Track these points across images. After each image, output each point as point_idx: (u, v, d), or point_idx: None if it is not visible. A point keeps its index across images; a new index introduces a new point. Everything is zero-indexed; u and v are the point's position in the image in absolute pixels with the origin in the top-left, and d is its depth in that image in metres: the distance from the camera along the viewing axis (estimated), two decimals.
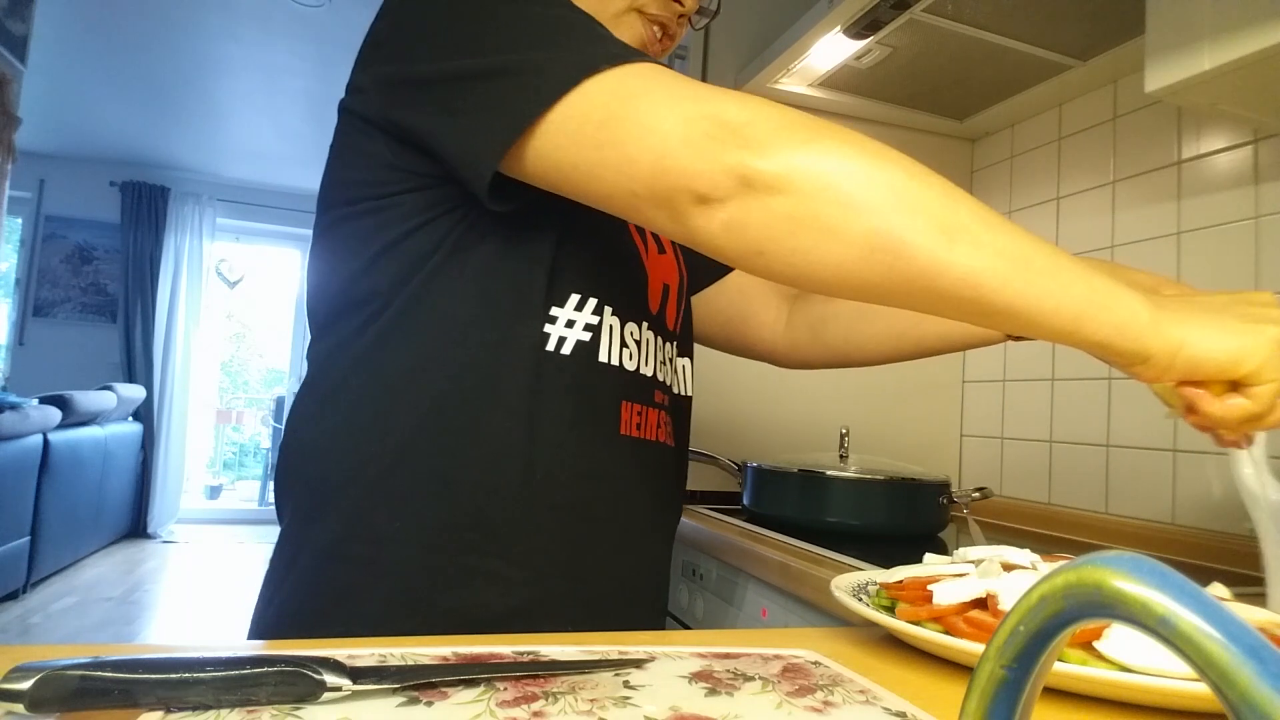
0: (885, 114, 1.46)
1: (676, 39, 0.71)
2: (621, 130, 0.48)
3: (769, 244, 0.46)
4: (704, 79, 1.42)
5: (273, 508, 0.66)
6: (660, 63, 0.52)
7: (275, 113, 4.16)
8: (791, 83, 1.37)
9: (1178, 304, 0.47)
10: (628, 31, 0.68)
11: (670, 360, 0.72)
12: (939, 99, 1.41)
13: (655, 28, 0.69)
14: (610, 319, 0.63)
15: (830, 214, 0.44)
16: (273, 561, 0.62)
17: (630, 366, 0.65)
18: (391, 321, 0.59)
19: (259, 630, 0.60)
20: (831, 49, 1.23)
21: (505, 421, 0.59)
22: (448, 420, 0.58)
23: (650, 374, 0.67)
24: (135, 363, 5.03)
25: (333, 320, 0.62)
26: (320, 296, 0.64)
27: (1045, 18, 1.10)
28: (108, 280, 5.14)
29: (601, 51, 0.50)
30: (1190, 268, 1.10)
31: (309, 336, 0.66)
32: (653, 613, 0.71)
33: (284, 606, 0.59)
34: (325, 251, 0.63)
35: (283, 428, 0.62)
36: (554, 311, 0.61)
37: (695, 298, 0.88)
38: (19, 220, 5.00)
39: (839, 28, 1.16)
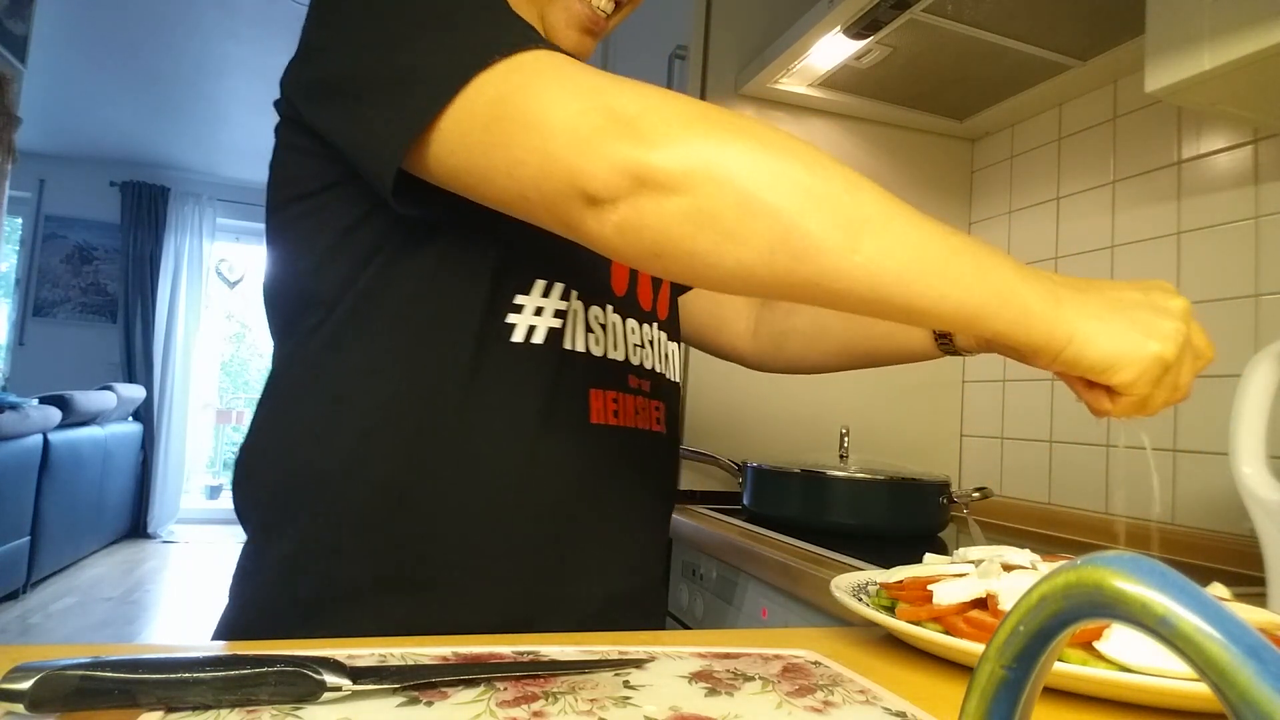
0: (885, 114, 1.46)
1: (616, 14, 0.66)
2: (508, 131, 0.45)
3: (667, 246, 0.44)
4: (704, 79, 1.42)
5: None
6: (562, 50, 0.49)
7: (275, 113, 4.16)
8: (791, 83, 1.37)
9: (1082, 299, 0.47)
10: (562, 14, 0.63)
11: (652, 344, 0.69)
12: (939, 99, 1.41)
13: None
14: (575, 303, 0.61)
15: (730, 216, 0.42)
16: (234, 575, 0.60)
17: (597, 352, 0.62)
18: (341, 322, 0.57)
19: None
20: (831, 49, 1.23)
21: (467, 424, 0.56)
22: (403, 426, 0.55)
23: (621, 359, 0.64)
24: (135, 363, 5.04)
25: (288, 324, 0.60)
26: (275, 301, 0.62)
27: (1045, 18, 1.10)
28: (108, 280, 5.14)
29: (494, 40, 0.47)
30: (1190, 268, 1.10)
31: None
32: (651, 614, 0.69)
33: (236, 623, 0.57)
34: (275, 255, 0.61)
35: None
36: (519, 300, 0.58)
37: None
38: (19, 220, 5.00)
39: (839, 28, 1.16)
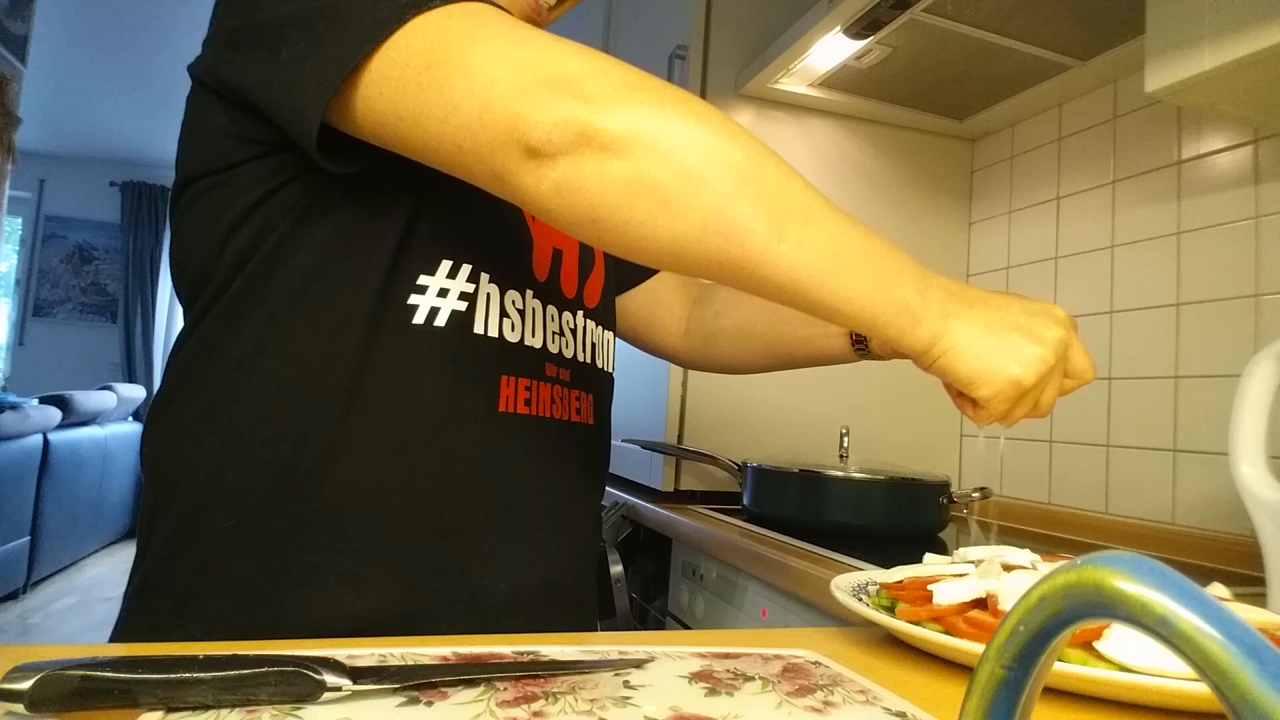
0: (885, 114, 1.46)
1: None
2: (447, 74, 0.44)
3: (603, 211, 0.43)
4: (704, 79, 1.42)
5: None
6: (501, 7, 0.48)
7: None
8: (791, 83, 1.37)
9: (969, 314, 0.50)
10: (502, 3, 0.63)
11: (574, 332, 0.67)
12: (939, 99, 1.41)
13: None
14: (488, 287, 0.59)
15: (670, 186, 0.42)
16: (136, 547, 0.59)
17: (512, 338, 0.60)
18: (233, 302, 0.55)
19: (113, 633, 0.56)
20: (831, 49, 1.23)
21: (359, 407, 0.54)
22: (292, 409, 0.54)
23: (538, 345, 0.62)
24: (135, 363, 5.04)
25: (189, 300, 0.59)
26: (179, 276, 0.59)
27: (1045, 18, 1.10)
28: (108, 280, 5.15)
29: None
30: (1190, 268, 1.10)
31: None
32: (577, 608, 0.66)
33: (129, 607, 0.56)
34: (179, 236, 0.59)
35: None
36: (423, 280, 0.56)
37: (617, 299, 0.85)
38: (19, 220, 5.01)
39: (839, 28, 1.16)
